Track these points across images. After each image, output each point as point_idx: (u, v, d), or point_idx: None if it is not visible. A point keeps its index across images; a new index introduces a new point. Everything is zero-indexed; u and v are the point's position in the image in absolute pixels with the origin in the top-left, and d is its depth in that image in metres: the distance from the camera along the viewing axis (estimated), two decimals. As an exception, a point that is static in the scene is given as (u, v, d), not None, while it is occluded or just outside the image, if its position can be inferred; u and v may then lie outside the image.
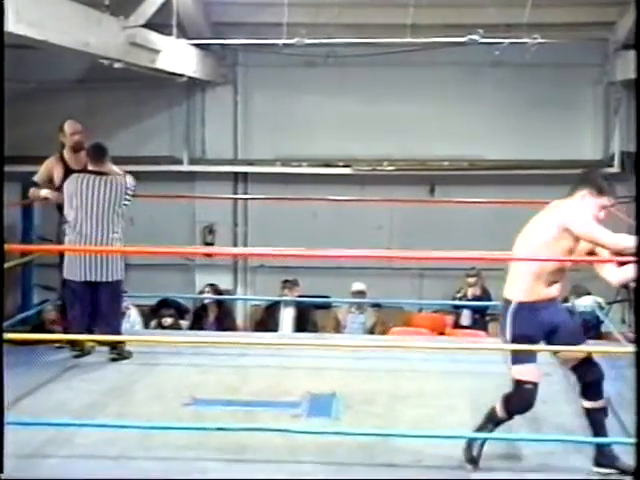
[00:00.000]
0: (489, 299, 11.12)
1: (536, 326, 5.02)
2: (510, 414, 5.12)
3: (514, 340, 5.01)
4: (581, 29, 11.42)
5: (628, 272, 5.07)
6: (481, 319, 11.40)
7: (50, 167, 7.72)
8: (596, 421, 5.10)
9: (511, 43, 10.39)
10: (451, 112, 12.19)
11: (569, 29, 11.27)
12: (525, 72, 11.79)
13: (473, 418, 5.64)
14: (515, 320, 5.00)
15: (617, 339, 7.60)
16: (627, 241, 4.87)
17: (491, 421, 5.15)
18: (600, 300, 9.88)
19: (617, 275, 5.17)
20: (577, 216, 4.95)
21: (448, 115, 12.19)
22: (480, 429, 5.17)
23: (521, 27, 10.35)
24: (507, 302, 5.07)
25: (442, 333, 10.82)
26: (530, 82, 11.99)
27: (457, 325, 11.17)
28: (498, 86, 12.06)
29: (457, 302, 11.22)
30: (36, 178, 7.73)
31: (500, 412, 5.11)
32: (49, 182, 7.70)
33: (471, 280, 11.24)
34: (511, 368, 5.06)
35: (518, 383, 5.05)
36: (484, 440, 5.16)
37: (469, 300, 11.18)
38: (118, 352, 7.26)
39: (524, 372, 5.02)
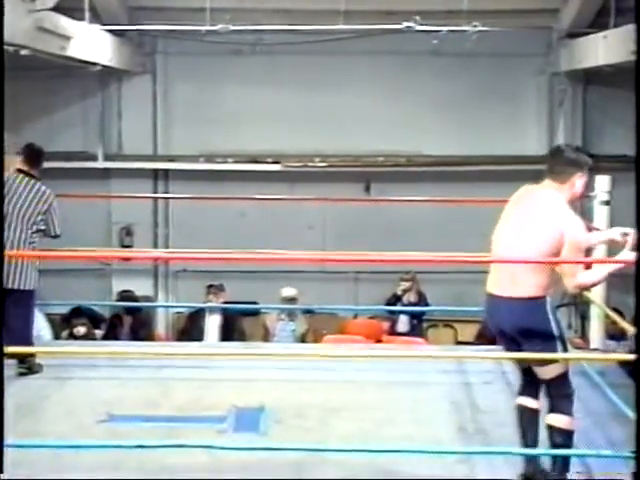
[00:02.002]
0: (426, 304, 11.21)
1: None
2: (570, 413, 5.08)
3: (560, 337, 4.99)
4: (524, 17, 11.60)
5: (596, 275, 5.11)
6: (418, 325, 11.48)
7: None
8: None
9: (450, 31, 10.51)
10: (387, 104, 12.27)
11: (511, 17, 11.44)
12: (465, 62, 11.92)
13: (412, 431, 5.68)
14: (554, 316, 4.98)
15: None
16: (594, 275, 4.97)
17: (567, 440, 5.07)
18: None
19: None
20: (578, 231, 4.94)
21: (384, 108, 12.26)
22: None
23: (461, 14, 10.47)
24: (522, 300, 4.96)
25: (379, 340, 10.86)
26: (470, 72, 12.13)
27: (394, 332, 11.22)
28: (437, 77, 12.18)
29: (394, 307, 11.27)
30: None
31: (565, 422, 5.05)
32: None
33: (405, 284, 11.27)
34: (542, 369, 5.01)
35: (555, 382, 5.04)
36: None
37: (405, 305, 11.24)
38: (27, 366, 7.14)
39: (558, 370, 5.02)
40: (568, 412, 5.04)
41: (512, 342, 5.07)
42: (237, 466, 5.31)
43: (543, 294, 4.95)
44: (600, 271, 5.03)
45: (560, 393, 5.04)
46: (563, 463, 5.04)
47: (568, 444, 5.04)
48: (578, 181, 5.06)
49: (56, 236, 7.42)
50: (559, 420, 5.02)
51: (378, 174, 12.35)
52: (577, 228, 4.94)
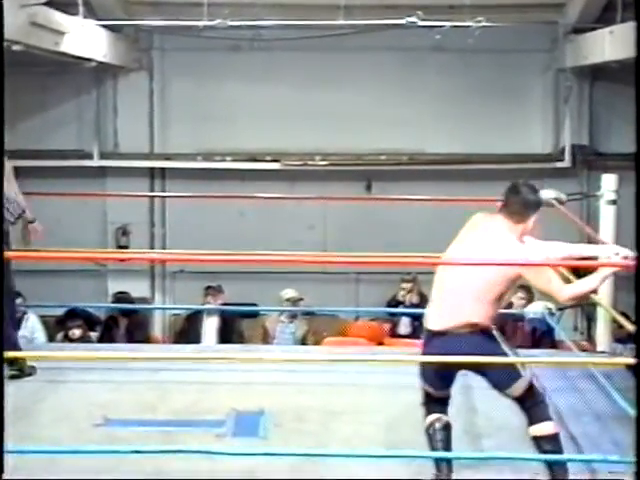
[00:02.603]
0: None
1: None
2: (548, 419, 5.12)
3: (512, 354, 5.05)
4: (528, 11, 11.61)
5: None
6: (419, 327, 11.45)
7: None
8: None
9: (453, 26, 10.52)
10: (389, 101, 12.28)
11: (516, 11, 11.45)
12: (468, 58, 11.92)
13: (414, 435, 5.68)
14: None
15: (569, 348, 7.73)
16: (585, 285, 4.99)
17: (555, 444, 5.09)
18: (551, 306, 10.02)
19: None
20: (528, 257, 4.98)
21: (385, 105, 12.27)
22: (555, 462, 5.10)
23: (464, 9, 10.48)
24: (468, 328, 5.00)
25: (380, 343, 10.88)
26: (474, 69, 12.13)
27: (395, 334, 11.23)
28: (439, 73, 12.18)
29: (395, 309, 11.27)
30: None
31: (548, 428, 5.08)
32: None
33: (406, 285, 11.27)
34: (510, 390, 5.04)
35: (524, 395, 5.06)
36: None
37: (407, 307, 11.24)
38: (19, 368, 7.13)
39: (523, 384, 5.05)
40: (547, 417, 5.08)
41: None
42: (236, 471, 5.32)
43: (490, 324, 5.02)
44: (592, 279, 5.03)
45: (533, 403, 5.08)
46: (563, 467, 5.06)
47: (558, 448, 5.07)
48: (531, 222, 5.11)
49: None
50: (541, 429, 5.06)
51: (380, 173, 12.35)
52: (523, 256, 4.97)
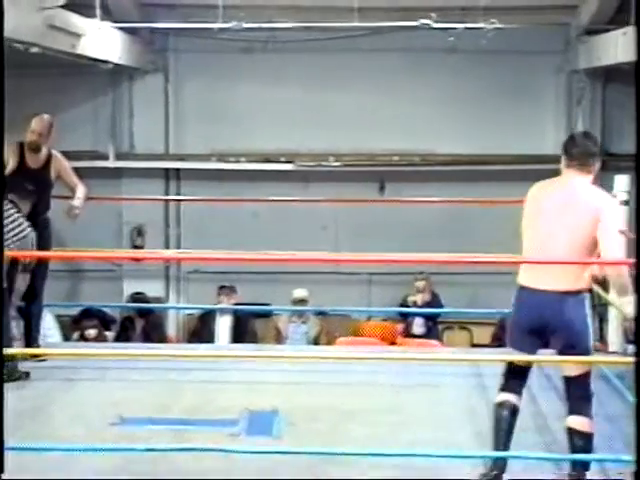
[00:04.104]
0: (440, 305, 11.19)
1: None
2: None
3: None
4: (541, 13, 11.57)
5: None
6: (434, 327, 11.46)
7: (6, 155, 7.59)
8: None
9: (466, 28, 10.48)
10: (402, 102, 12.25)
11: (528, 13, 11.41)
12: (482, 59, 11.88)
13: (427, 435, 5.67)
14: (591, 312, 5.04)
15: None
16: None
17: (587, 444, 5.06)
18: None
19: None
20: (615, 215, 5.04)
21: (398, 106, 12.24)
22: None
23: (477, 11, 10.44)
24: (569, 293, 4.97)
25: (393, 343, 10.86)
26: (487, 70, 12.09)
27: (408, 334, 11.21)
28: (452, 74, 12.14)
29: (408, 309, 11.26)
30: None
31: (586, 425, 5.06)
32: None
33: (420, 284, 11.28)
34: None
35: (580, 379, 5.06)
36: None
37: (420, 307, 11.23)
38: (7, 372, 6.97)
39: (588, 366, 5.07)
40: (589, 414, 5.05)
41: (540, 338, 5.06)
42: (250, 470, 5.31)
43: (586, 287, 5.01)
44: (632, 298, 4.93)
45: (581, 394, 5.06)
46: (583, 467, 5.03)
47: (588, 448, 5.04)
48: (596, 169, 5.17)
49: None
50: (582, 423, 5.03)
51: (393, 173, 12.32)
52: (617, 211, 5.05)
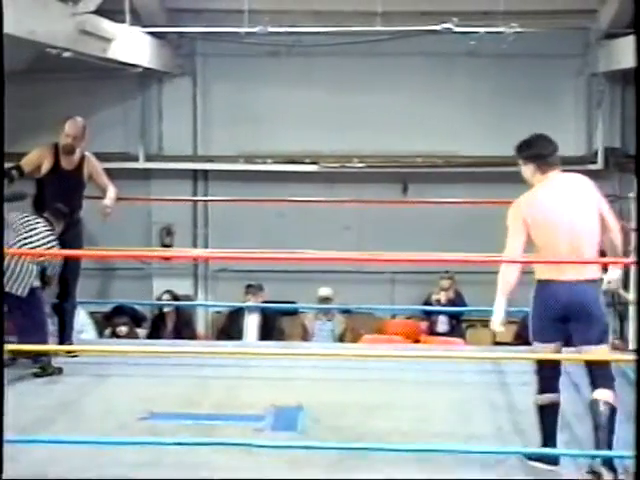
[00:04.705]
0: (463, 303, 11.17)
1: None
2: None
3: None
4: (561, 17, 11.50)
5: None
6: (457, 325, 11.44)
7: (41, 156, 7.65)
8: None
9: (487, 32, 10.46)
10: (424, 105, 12.23)
11: (548, 17, 11.35)
12: (502, 63, 11.85)
13: (449, 431, 5.65)
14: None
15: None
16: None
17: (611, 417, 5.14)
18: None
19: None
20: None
21: (421, 108, 12.22)
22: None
23: (498, 15, 10.42)
24: (592, 282, 5.21)
25: (417, 340, 10.85)
26: (508, 73, 12.05)
27: (432, 332, 11.19)
28: (474, 77, 12.11)
29: (432, 308, 11.25)
30: (23, 162, 7.61)
31: (610, 395, 5.15)
32: (35, 170, 7.63)
33: (445, 283, 11.29)
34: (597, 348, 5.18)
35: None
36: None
37: (444, 305, 11.21)
38: (41, 366, 7.04)
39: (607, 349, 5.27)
40: (612, 387, 5.17)
41: (565, 325, 5.19)
42: (275, 464, 5.32)
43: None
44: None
45: (604, 373, 5.19)
46: (608, 441, 5.09)
47: (612, 420, 5.10)
48: None
49: None
50: (607, 395, 5.13)
51: (415, 175, 12.30)
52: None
